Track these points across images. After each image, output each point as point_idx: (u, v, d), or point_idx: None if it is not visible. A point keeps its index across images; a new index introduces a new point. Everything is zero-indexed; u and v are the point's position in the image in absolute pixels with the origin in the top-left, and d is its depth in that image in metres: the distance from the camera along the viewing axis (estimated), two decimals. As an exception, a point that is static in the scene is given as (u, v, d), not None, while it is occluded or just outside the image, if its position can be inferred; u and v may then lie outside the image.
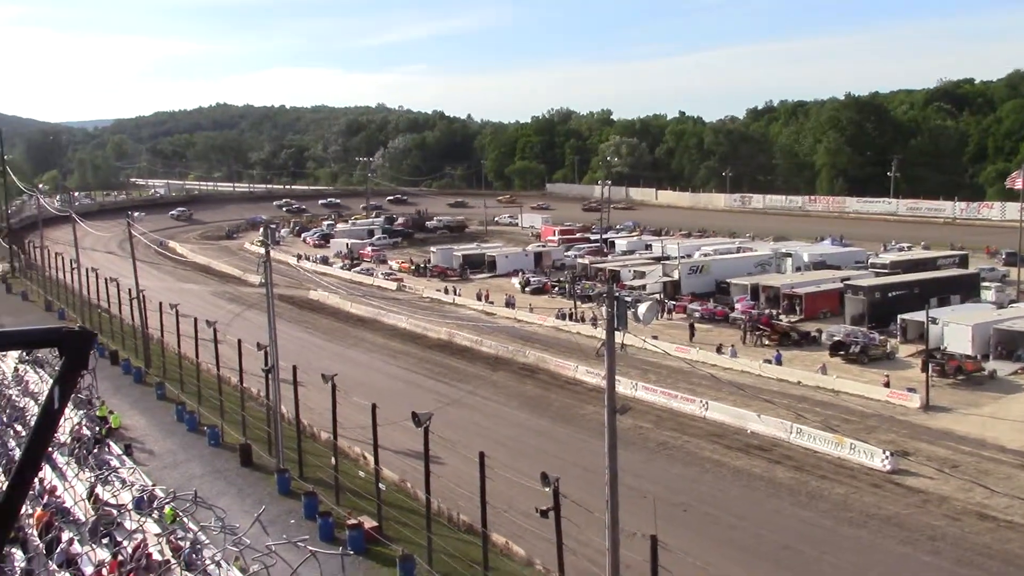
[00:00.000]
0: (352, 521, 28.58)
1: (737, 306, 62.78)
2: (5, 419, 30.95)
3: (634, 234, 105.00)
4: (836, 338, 52.88)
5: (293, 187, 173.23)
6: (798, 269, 73.54)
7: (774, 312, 60.97)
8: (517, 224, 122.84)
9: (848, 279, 64.52)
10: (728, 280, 68.34)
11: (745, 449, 38.24)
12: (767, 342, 54.91)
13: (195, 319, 46.58)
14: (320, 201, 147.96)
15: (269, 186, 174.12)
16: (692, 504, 32.39)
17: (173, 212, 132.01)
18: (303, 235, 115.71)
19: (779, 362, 49.92)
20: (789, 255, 76.88)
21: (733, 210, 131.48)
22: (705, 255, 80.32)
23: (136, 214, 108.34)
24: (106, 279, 62.34)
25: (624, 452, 26.74)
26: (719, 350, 52.34)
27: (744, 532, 30.38)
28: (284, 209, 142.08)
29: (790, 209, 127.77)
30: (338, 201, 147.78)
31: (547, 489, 22.84)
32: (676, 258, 76.25)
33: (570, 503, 23.17)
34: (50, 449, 27.71)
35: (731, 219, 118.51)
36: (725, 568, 25.86)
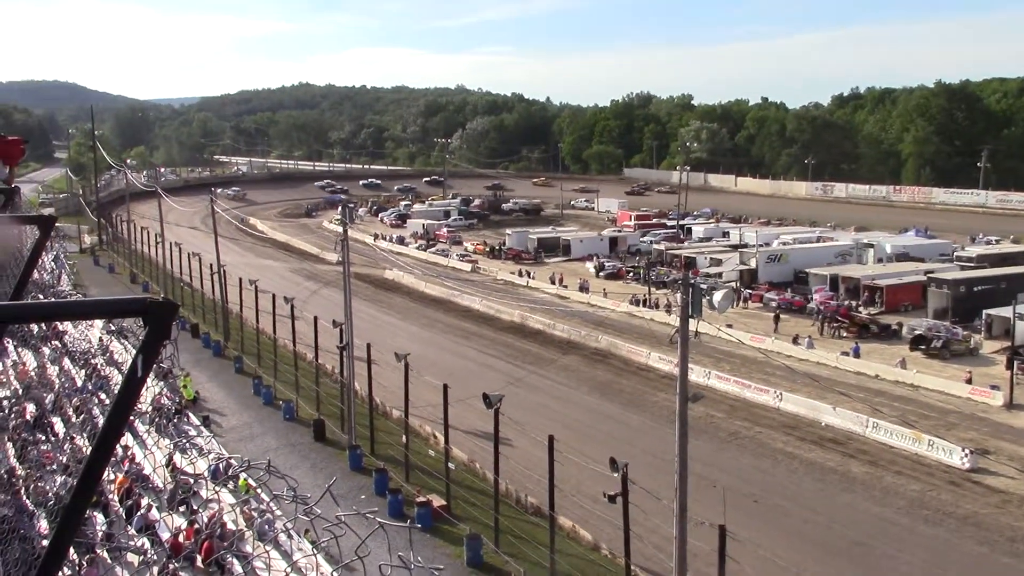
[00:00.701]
0: (421, 499, 28.93)
1: (815, 296, 61.72)
2: (91, 387, 31.95)
3: (712, 221, 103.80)
4: (917, 332, 51.63)
5: (371, 167, 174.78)
6: (880, 260, 71.87)
7: (853, 304, 59.78)
8: (593, 208, 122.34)
9: (932, 272, 62.84)
10: (807, 270, 67.18)
11: (819, 442, 37.67)
12: (845, 334, 53.89)
13: (273, 295, 47.45)
14: (396, 186, 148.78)
15: (348, 166, 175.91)
16: (762, 495, 32.04)
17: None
18: (380, 215, 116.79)
19: (857, 355, 48.96)
20: (871, 246, 75.20)
21: (814, 198, 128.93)
22: (784, 244, 79.01)
23: (220, 191, 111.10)
24: (189, 254, 63.87)
25: (695, 440, 26.58)
26: (795, 341, 51.54)
27: (815, 526, 29.97)
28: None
29: (873, 199, 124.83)
30: (412, 186, 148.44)
31: (616, 474, 22.81)
32: (754, 246, 75.18)
33: (638, 489, 23.12)
34: (132, 417, 28.54)
35: (812, 208, 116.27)
36: (795, 561, 25.55)
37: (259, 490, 20.65)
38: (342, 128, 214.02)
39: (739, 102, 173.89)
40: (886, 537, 29.10)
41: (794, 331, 53.70)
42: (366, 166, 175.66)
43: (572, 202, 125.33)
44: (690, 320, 21.07)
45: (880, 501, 32.02)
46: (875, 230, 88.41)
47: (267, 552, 17.01)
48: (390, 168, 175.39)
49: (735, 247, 78.64)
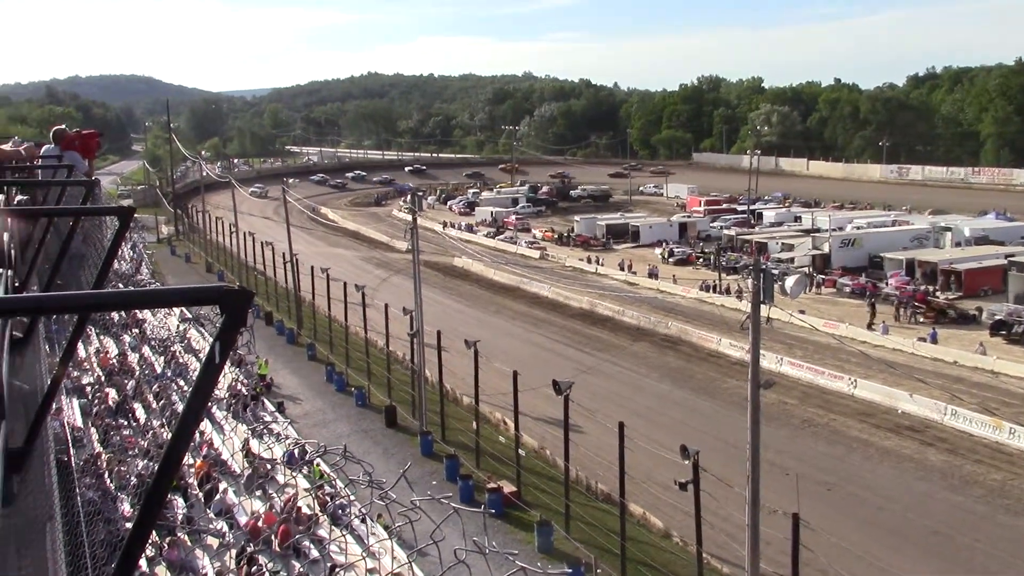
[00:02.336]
0: (492, 485, 29.09)
1: (891, 281, 60.48)
2: (170, 374, 32.75)
3: (783, 205, 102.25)
4: (998, 317, 50.25)
5: (440, 155, 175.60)
6: (958, 244, 70.09)
7: (930, 288, 58.43)
8: (662, 194, 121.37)
9: (1012, 255, 61.09)
10: (882, 254, 65.85)
11: (895, 429, 36.95)
12: (922, 319, 52.75)
13: (345, 283, 48.04)
14: (464, 172, 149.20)
15: (417, 154, 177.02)
16: (837, 483, 31.57)
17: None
18: (449, 203, 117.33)
19: (934, 340, 47.87)
20: (948, 229, 73.34)
21: (889, 181, 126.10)
22: (858, 228, 77.54)
23: (291, 180, 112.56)
24: (262, 243, 64.97)
25: (767, 428, 26.27)
26: (870, 326, 50.58)
27: (891, 515, 29.43)
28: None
29: (951, 181, 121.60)
30: (481, 172, 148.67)
31: (687, 462, 22.69)
32: (827, 230, 73.90)
33: (710, 477, 22.96)
34: (209, 403, 29.16)
35: (886, 191, 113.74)
36: (870, 550, 25.13)
37: (333, 476, 20.95)
38: (410, 117, 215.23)
39: (811, 84, 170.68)
40: (964, 527, 28.46)
41: (868, 317, 52.65)
42: (434, 154, 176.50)
43: (641, 188, 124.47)
44: (761, 306, 20.82)
45: (959, 490, 31.32)
46: (952, 213, 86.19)
47: (343, 536, 17.27)
48: (459, 156, 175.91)
49: (807, 232, 77.39)
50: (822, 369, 43.76)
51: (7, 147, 9.83)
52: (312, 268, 52.68)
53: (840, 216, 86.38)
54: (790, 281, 21.62)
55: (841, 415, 38.92)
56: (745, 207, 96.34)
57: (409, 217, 40.80)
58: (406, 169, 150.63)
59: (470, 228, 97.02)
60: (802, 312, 43.03)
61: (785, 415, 38.67)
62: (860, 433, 36.84)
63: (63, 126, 13.45)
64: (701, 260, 73.57)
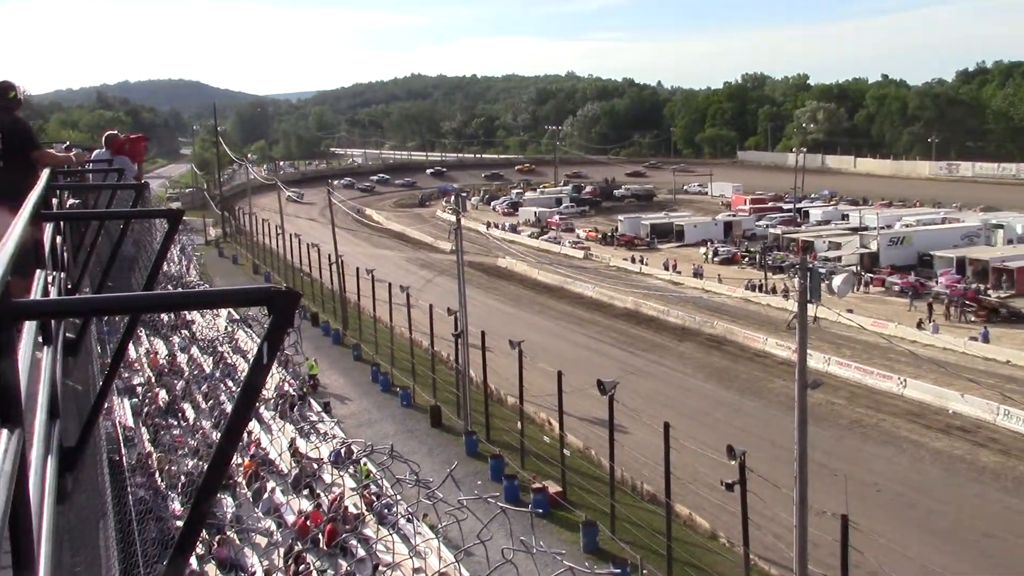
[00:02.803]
0: (537, 485, 29.10)
1: (941, 280, 59.57)
2: (218, 375, 33.18)
3: (830, 203, 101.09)
4: (1051, 315, 49.34)
5: (483, 156, 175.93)
6: (1010, 242, 68.88)
7: (982, 287, 57.44)
8: (706, 193, 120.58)
9: (1067, 253, 59.91)
10: (932, 252, 64.87)
11: (946, 430, 36.38)
12: (973, 318, 51.89)
13: (389, 284, 48.31)
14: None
15: (460, 155, 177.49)
16: (886, 485, 31.14)
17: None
18: (492, 203, 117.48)
19: (986, 340, 47.05)
20: (1001, 226, 72.03)
21: (938, 178, 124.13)
22: (907, 226, 76.46)
23: (335, 183, 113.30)
24: (308, 244, 65.56)
25: (814, 428, 26.02)
26: (919, 326, 49.86)
27: (943, 517, 28.98)
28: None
29: (1003, 177, 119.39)
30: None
31: (733, 462, 22.52)
32: (875, 228, 72.96)
33: (756, 477, 22.77)
34: (257, 403, 29.52)
35: (936, 188, 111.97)
36: (921, 553, 24.77)
37: (380, 475, 21.08)
38: (453, 118, 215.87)
39: (857, 80, 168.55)
40: (1018, 529, 27.93)
41: (918, 316, 51.92)
42: (477, 155, 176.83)
43: (685, 187, 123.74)
44: (808, 305, 20.62)
45: (1012, 491, 30.74)
46: (1005, 210, 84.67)
47: (389, 535, 17.38)
48: (502, 156, 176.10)
49: (855, 230, 76.45)
50: (871, 369, 43.20)
51: (59, 153, 10.01)
52: (357, 269, 53.05)
53: (888, 214, 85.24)
54: (837, 280, 21.36)
55: (890, 415, 38.40)
56: (791, 205, 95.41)
57: (453, 218, 40.93)
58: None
59: (514, 228, 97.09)
60: (850, 311, 42.50)
61: (833, 415, 38.24)
62: (910, 434, 36.32)
63: (115, 131, 13.68)
64: (747, 259, 72.98)
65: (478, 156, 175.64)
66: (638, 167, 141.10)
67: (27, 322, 3.05)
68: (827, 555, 22.08)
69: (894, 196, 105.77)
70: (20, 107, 8.17)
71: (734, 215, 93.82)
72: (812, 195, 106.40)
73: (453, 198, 48.54)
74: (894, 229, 74.03)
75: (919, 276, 61.72)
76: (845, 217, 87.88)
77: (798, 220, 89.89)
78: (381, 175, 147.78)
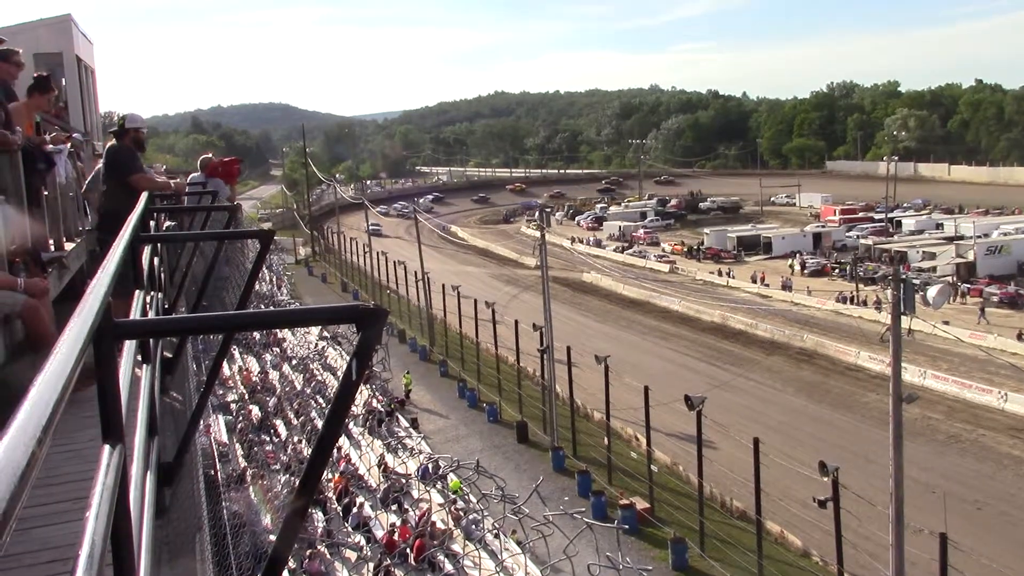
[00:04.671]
0: (624, 501, 28.87)
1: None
2: (309, 391, 33.76)
3: (924, 213, 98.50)
4: None
5: (567, 171, 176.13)
6: (1115, 249, 66.32)
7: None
8: (794, 204, 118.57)
9: None
10: (1032, 261, 62.84)
11: (1050, 446, 35.06)
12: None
13: (475, 300, 48.58)
14: (597, 188, 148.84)
15: (544, 171, 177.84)
16: (987, 502, 30.10)
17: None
18: (577, 218, 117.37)
19: (1092, 351, 45.28)
20: (1103, 233, 69.49)
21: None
22: (1004, 234, 74.08)
23: (423, 200, 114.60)
24: (394, 262, 66.35)
25: (910, 444, 25.31)
26: (1020, 337, 48.18)
27: (1048, 536, 27.90)
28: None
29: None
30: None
31: (826, 479, 22.04)
32: (971, 238, 70.82)
33: (850, 494, 22.24)
34: (347, 420, 29.96)
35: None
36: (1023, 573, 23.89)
37: (467, 491, 21.16)
38: (537, 134, 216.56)
39: (950, 86, 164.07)
40: None
41: (1019, 326, 50.20)
42: (561, 170, 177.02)
43: (772, 198, 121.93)
44: (903, 317, 20.12)
45: (1124, 510, 29.46)
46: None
47: (477, 551, 17.43)
48: (586, 171, 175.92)
49: (950, 239, 74.36)
50: (969, 382, 41.89)
51: (160, 178, 10.36)
52: (443, 286, 53.49)
53: (985, 222, 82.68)
54: (932, 291, 20.83)
55: (990, 430, 37.15)
56: (883, 215, 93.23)
57: (537, 233, 41.02)
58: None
59: (598, 243, 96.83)
60: (946, 323, 41.31)
61: (930, 430, 37.16)
62: (1012, 449, 35.07)
63: (209, 155, 14.09)
64: (837, 271, 71.51)
65: (562, 172, 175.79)
66: (726, 178, 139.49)
67: (127, 341, 3.17)
68: (925, 574, 21.43)
69: (991, 204, 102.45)
70: (131, 136, 8.49)
71: (823, 226, 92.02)
72: (904, 204, 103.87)
73: (537, 214, 48.64)
74: (991, 238, 71.79)
75: (1019, 286, 59.72)
76: (940, 226, 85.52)
77: (890, 230, 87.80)
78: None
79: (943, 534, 19.61)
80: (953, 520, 22.46)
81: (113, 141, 8.73)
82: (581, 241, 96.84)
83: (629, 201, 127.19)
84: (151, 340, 4.44)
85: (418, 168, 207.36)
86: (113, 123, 8.35)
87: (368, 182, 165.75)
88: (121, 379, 2.64)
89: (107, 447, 2.24)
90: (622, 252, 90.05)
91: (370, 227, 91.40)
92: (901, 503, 19.83)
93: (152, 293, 5.73)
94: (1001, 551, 25.29)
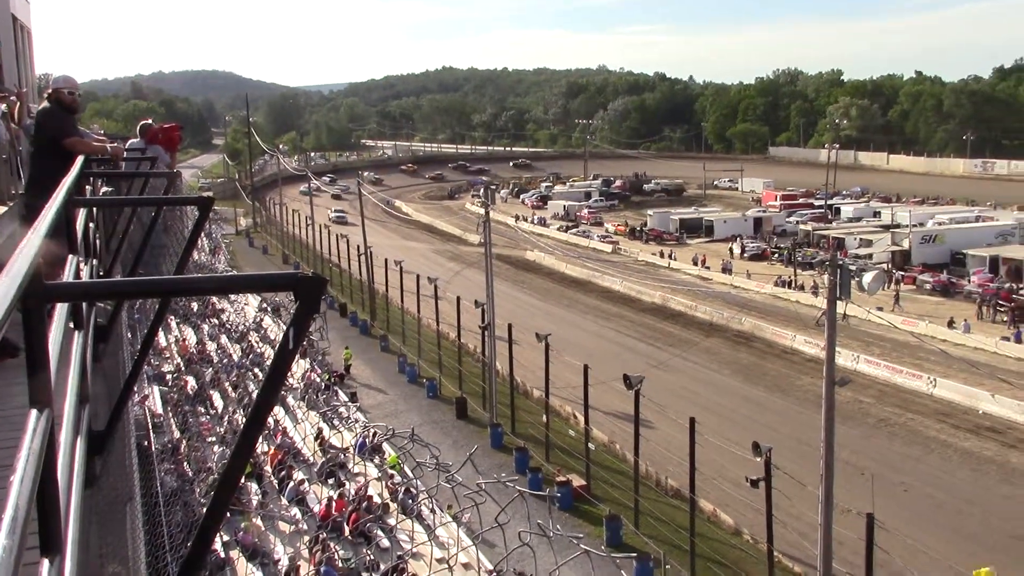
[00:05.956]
0: (561, 478, 29.11)
1: (974, 279, 58.95)
2: (247, 362, 33.42)
3: (862, 200, 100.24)
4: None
5: (512, 149, 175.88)
6: (1046, 240, 68.13)
7: (1015, 286, 56.75)
8: (737, 188, 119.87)
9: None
10: (964, 251, 64.22)
11: (975, 430, 36.03)
12: (1006, 318, 51.30)
13: (418, 276, 48.44)
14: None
15: (490, 148, 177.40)
16: (913, 484, 30.90)
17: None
18: (521, 196, 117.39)
19: (1019, 340, 46.54)
20: (1035, 225, 71.27)
21: (973, 176, 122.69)
22: (939, 224, 75.72)
23: (366, 174, 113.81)
24: (337, 235, 65.82)
25: (842, 426, 25.86)
26: (950, 324, 49.38)
27: (970, 518, 28.73)
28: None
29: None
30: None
31: (759, 459, 22.44)
32: (907, 226, 72.28)
33: (782, 475, 22.67)
34: (284, 392, 29.74)
35: (970, 186, 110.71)
36: (947, 554, 24.54)
37: (403, 463, 21.12)
38: (484, 111, 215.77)
39: (892, 77, 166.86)
40: (1049, 532, 27.64)
41: (948, 314, 51.45)
42: (507, 148, 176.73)
43: (715, 182, 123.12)
44: (838, 302, 20.47)
45: (1042, 494, 30.43)
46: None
47: (411, 525, 17.46)
48: (532, 150, 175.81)
49: (887, 227, 75.77)
50: (900, 367, 42.86)
51: (93, 142, 10.12)
52: (386, 260, 53.23)
53: (921, 212, 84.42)
54: (868, 277, 21.21)
55: (919, 415, 38.09)
56: (822, 202, 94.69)
57: (482, 211, 40.97)
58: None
59: (542, 222, 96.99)
60: (880, 309, 42.18)
61: (861, 414, 37.98)
62: (939, 433, 36.01)
63: (149, 120, 13.80)
64: (776, 255, 72.54)
65: (508, 149, 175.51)
66: (670, 160, 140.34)
67: (58, 305, 3.10)
68: (852, 554, 21.97)
69: (927, 194, 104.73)
70: (55, 97, 8.27)
71: (764, 211, 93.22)
72: (844, 192, 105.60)
73: (482, 191, 48.58)
74: (927, 227, 73.34)
75: (951, 275, 61.13)
76: (877, 214, 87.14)
77: (829, 217, 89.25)
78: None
79: (870, 514, 20.09)
80: (880, 501, 23.02)
81: (45, 103, 8.53)
82: (525, 219, 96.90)
83: (574, 181, 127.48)
84: (84, 306, 4.35)
85: (363, 142, 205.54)
86: (49, 85, 8.13)
87: (312, 154, 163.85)
88: (51, 344, 2.59)
89: (34, 412, 2.20)
90: (566, 231, 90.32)
91: (335, 214, 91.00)
92: (831, 484, 20.24)
93: (86, 259, 5.62)
94: (925, 532, 25.99)
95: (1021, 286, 56.82)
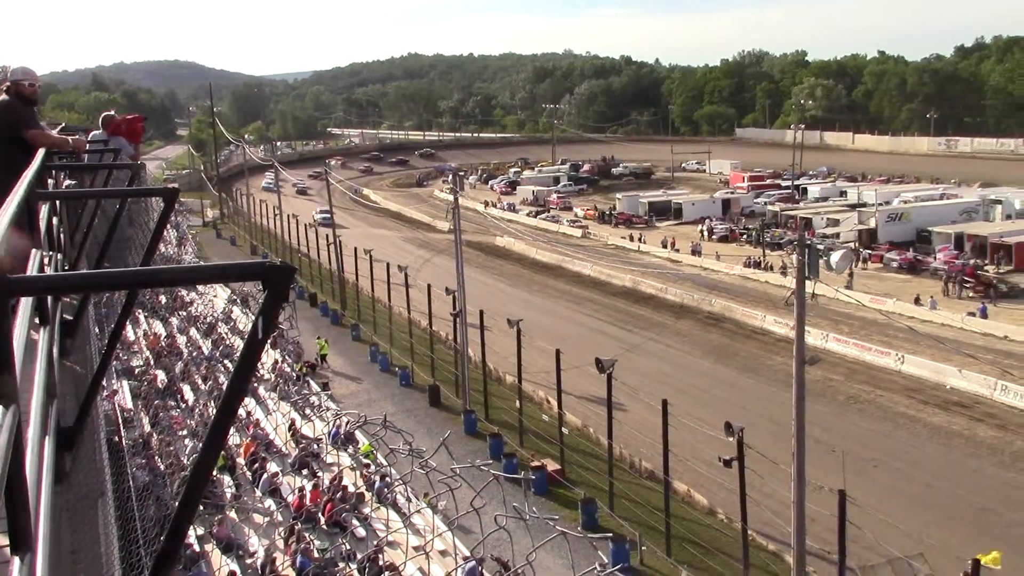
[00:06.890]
0: (535, 463, 29.18)
1: (939, 256, 59.62)
2: (217, 355, 33.20)
3: (828, 180, 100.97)
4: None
5: (481, 135, 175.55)
6: (1008, 217, 68.92)
7: (980, 263, 57.47)
8: (704, 170, 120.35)
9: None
10: (930, 228, 64.89)
11: (943, 405, 36.50)
12: (971, 294, 51.95)
13: (387, 264, 48.27)
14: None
15: (457, 134, 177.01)
16: (883, 460, 31.26)
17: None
18: (491, 182, 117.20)
19: (984, 315, 47.14)
20: (999, 202, 72.06)
21: (937, 154, 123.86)
22: (905, 202, 76.47)
23: (332, 162, 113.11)
24: (305, 225, 65.42)
25: (812, 404, 26.07)
26: (917, 301, 49.92)
27: (939, 492, 29.11)
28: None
29: (1001, 153, 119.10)
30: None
31: (731, 439, 22.58)
32: (873, 205, 72.92)
33: (754, 454, 22.84)
34: (256, 384, 29.57)
35: (934, 164, 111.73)
36: (917, 528, 24.88)
37: (377, 452, 21.10)
38: (451, 97, 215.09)
39: (856, 57, 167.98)
40: (1016, 503, 28.07)
41: (915, 291, 52.01)
42: (475, 134, 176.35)
43: (683, 164, 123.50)
44: (807, 282, 20.62)
45: (1009, 466, 30.89)
46: (1003, 185, 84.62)
47: (387, 513, 17.43)
48: (500, 135, 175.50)
49: (853, 207, 76.42)
50: (868, 345, 43.30)
51: (55, 134, 9.97)
52: (355, 249, 52.97)
53: (887, 190, 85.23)
54: (835, 256, 21.36)
55: (888, 391, 38.51)
56: (789, 182, 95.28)
57: (450, 197, 40.87)
58: (416, 153, 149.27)
59: (512, 207, 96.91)
60: (848, 288, 42.55)
61: (831, 391, 38.34)
62: (907, 409, 36.44)
63: (111, 112, 13.62)
64: (744, 237, 72.97)
65: (476, 135, 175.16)
66: (638, 144, 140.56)
67: (23, 300, 3.05)
68: (825, 530, 22.19)
69: (892, 172, 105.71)
70: (14, 91, 8.13)
71: (732, 192, 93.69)
72: (810, 172, 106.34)
73: (451, 177, 48.45)
74: (892, 205, 74.03)
75: (917, 252, 61.77)
76: (843, 194, 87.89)
77: (796, 197, 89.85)
78: (375, 153, 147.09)
79: (842, 491, 20.29)
80: (852, 478, 23.28)
81: (4, 96, 8.37)
82: (495, 205, 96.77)
83: (542, 166, 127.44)
84: (50, 301, 4.29)
85: (329, 130, 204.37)
86: (8, 77, 7.96)
87: (278, 143, 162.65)
88: (16, 340, 2.55)
89: (0, 408, 2.16)
90: (535, 216, 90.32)
91: (321, 215, 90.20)
92: (803, 462, 20.43)
93: (51, 253, 5.54)
94: (896, 506, 26.31)
95: (986, 262, 57.60)
